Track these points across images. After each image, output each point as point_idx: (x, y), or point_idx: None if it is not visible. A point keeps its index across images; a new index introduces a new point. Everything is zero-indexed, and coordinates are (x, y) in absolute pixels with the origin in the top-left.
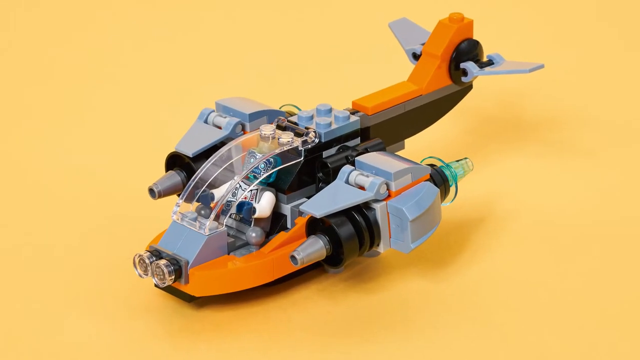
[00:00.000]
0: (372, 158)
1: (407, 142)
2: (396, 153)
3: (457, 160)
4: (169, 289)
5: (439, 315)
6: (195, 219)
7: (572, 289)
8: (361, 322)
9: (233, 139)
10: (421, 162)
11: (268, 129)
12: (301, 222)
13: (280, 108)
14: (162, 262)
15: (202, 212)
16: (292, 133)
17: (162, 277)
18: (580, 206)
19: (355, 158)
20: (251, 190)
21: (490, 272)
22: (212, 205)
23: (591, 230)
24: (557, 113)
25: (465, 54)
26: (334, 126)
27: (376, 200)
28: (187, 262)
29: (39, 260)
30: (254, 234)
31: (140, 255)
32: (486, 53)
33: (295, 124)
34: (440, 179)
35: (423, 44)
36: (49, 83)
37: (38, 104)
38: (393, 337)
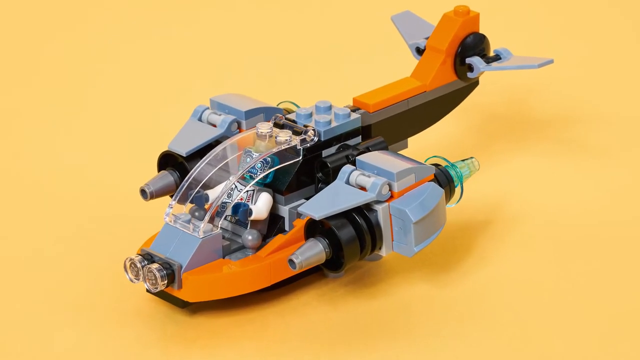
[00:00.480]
0: (373, 157)
1: (411, 140)
2: (399, 152)
3: (463, 160)
4: (162, 294)
5: (443, 322)
6: (188, 221)
7: (582, 293)
8: (362, 328)
9: (228, 137)
10: (425, 161)
11: (265, 127)
12: (300, 224)
13: (277, 105)
14: (154, 266)
15: (196, 213)
16: (290, 131)
17: (154, 281)
18: (590, 207)
19: (356, 157)
20: (247, 191)
21: (497, 277)
22: (206, 206)
23: (602, 231)
24: (566, 110)
25: (471, 48)
26: (333, 124)
27: (378, 202)
28: (181, 266)
29: (26, 263)
30: (250, 237)
31: (131, 259)
32: (493, 47)
33: (294, 121)
34: (445, 179)
35: (427, 38)
36: (43, 82)
37: (31, 102)
38: (395, 345)
